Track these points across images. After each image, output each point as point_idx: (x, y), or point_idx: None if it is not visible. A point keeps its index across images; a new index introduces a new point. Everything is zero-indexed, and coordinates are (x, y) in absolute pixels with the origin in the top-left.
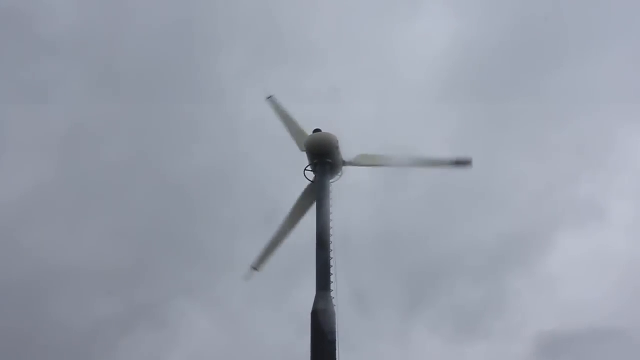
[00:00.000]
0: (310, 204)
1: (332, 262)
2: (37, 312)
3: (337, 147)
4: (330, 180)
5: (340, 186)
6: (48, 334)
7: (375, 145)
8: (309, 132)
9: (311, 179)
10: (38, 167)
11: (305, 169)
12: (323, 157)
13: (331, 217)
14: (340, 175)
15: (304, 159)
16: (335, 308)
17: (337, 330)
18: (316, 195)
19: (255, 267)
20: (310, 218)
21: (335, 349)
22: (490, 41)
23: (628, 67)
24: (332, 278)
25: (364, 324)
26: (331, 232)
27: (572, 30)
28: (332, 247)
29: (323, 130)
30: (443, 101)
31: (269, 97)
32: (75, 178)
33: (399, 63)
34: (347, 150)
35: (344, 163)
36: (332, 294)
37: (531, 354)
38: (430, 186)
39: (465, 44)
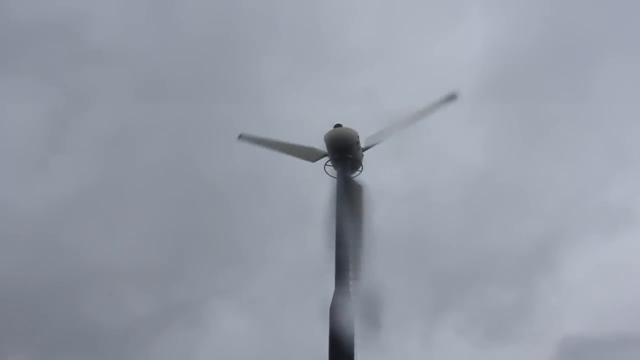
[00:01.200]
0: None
1: (350, 259)
2: (75, 309)
3: (358, 142)
4: (351, 176)
5: (369, 187)
6: (85, 331)
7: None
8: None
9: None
10: (82, 169)
11: (326, 164)
12: (343, 152)
13: None
14: (361, 171)
15: None
16: (354, 304)
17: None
18: (335, 190)
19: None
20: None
21: (353, 344)
22: (525, 43)
23: None
24: (351, 274)
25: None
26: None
27: (604, 33)
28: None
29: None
30: (476, 103)
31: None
32: (116, 179)
33: (434, 65)
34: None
35: (364, 150)
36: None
37: (557, 358)
38: (462, 188)
39: (499, 45)
